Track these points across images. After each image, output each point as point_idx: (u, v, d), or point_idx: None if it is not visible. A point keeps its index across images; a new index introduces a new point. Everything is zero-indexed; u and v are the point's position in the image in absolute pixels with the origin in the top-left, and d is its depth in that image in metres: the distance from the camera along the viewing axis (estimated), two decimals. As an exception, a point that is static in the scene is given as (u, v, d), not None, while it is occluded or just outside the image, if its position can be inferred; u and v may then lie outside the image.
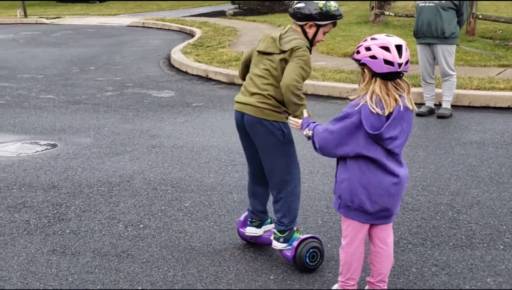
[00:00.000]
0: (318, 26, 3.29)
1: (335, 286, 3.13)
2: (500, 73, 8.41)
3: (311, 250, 3.42)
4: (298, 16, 3.29)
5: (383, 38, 2.72)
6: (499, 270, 3.43)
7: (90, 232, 4.01)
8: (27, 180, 5.02)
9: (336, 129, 2.75)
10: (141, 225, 4.10)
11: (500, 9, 14.72)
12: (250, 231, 3.68)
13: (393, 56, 2.66)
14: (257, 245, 3.77)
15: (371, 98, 2.69)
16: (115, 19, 20.44)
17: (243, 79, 3.59)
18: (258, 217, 3.67)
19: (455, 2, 6.60)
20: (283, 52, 3.24)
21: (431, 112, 6.93)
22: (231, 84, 9.10)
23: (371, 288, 3.05)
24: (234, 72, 9.34)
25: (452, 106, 6.99)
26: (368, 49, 2.70)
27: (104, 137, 6.28)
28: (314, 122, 2.96)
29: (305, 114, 3.11)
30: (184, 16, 19.39)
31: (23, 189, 4.83)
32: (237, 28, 15.39)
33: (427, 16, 6.68)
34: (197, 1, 25.98)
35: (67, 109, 7.60)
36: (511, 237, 3.82)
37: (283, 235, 3.50)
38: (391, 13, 14.61)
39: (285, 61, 3.24)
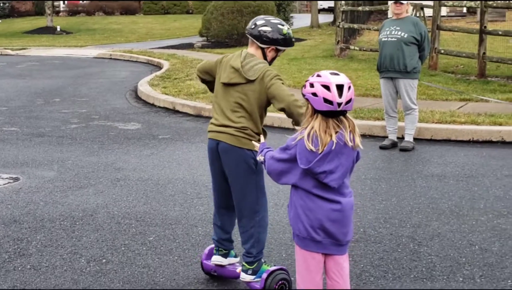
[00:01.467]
0: (278, 50, 3.44)
1: None
2: (461, 107, 8.64)
3: (279, 282, 3.44)
4: (264, 39, 3.38)
5: (326, 76, 2.75)
6: (459, 302, 3.48)
7: (51, 268, 3.94)
8: (-13, 215, 4.92)
9: (278, 158, 2.89)
10: (104, 260, 4.05)
11: (461, 44, 15.18)
12: (216, 259, 3.66)
13: (332, 95, 2.71)
14: (221, 279, 3.75)
15: (308, 134, 2.77)
16: (82, 50, 20.37)
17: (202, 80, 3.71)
18: (223, 246, 3.67)
19: (416, 37, 6.79)
20: (250, 81, 3.32)
21: (394, 145, 7.06)
22: (198, 116, 9.13)
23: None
24: (201, 104, 9.38)
25: (415, 139, 7.13)
26: (311, 85, 2.77)
27: (68, 170, 6.22)
28: (269, 148, 3.08)
29: (262, 140, 3.24)
30: (152, 48, 19.43)
31: (-18, 224, 4.73)
32: (205, 61, 15.48)
33: (389, 51, 6.85)
34: (165, 33, 26.11)
35: (31, 142, 7.51)
36: (470, 269, 3.89)
37: (252, 267, 3.50)
38: (356, 48, 14.96)
39: (257, 92, 3.32)
